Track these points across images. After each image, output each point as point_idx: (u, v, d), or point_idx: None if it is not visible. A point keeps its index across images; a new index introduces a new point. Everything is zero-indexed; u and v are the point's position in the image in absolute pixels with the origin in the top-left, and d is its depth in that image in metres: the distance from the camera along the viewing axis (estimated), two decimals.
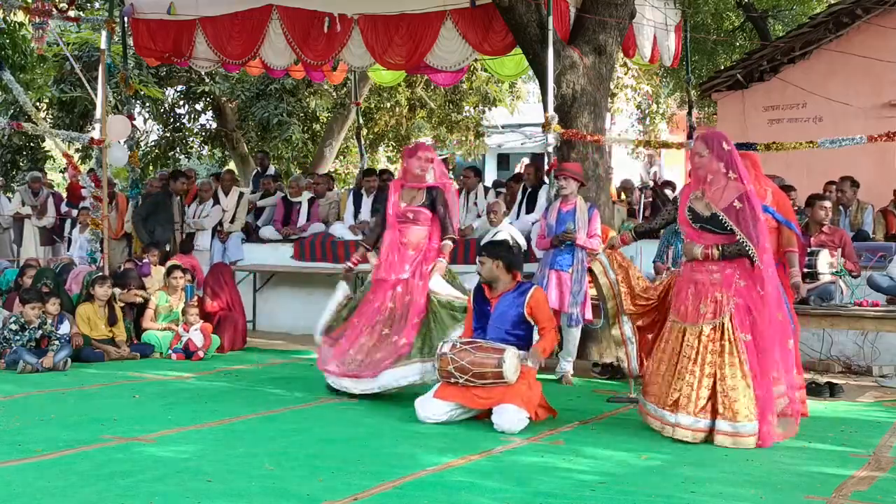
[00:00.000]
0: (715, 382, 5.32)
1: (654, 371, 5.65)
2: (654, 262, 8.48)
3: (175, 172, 11.94)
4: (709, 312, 5.39)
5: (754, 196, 5.41)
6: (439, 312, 6.51)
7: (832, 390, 7.17)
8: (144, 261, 10.19)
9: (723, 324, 5.35)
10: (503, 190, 11.34)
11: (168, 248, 11.01)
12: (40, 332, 8.09)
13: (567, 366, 7.68)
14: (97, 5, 16.48)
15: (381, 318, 6.61)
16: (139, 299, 9.31)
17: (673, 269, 7.30)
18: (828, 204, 8.02)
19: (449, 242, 6.78)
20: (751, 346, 5.31)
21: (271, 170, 13.63)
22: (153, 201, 11.04)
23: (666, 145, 11.22)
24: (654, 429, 5.52)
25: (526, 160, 17.90)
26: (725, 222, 5.34)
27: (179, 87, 18.16)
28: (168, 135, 18.60)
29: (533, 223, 9.44)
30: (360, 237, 9.73)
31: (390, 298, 6.63)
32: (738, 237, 5.32)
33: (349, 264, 7.08)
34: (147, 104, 17.30)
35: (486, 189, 11.48)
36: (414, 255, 6.69)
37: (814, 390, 7.06)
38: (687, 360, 5.39)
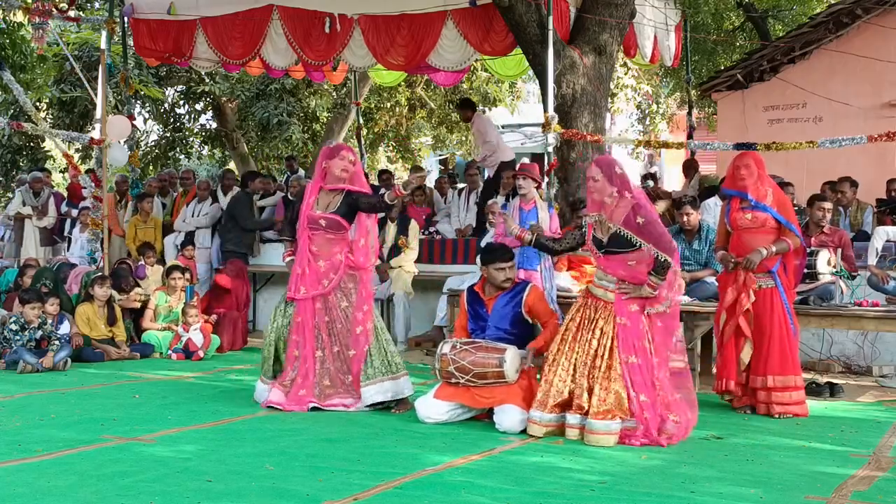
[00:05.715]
0: None
1: None
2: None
3: (251, 173, 12.38)
4: None
5: (645, 201, 5.52)
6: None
7: (832, 390, 7.18)
8: (140, 263, 10.18)
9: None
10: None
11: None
12: (40, 332, 8.09)
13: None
14: (97, 5, 16.47)
15: (321, 334, 6.23)
16: (138, 305, 9.31)
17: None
18: (827, 205, 7.87)
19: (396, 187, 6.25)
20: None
21: (301, 172, 13.83)
22: (244, 203, 11.06)
23: (666, 145, 11.19)
24: None
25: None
26: (629, 236, 5.39)
27: (179, 87, 18.15)
28: (168, 135, 18.59)
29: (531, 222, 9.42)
30: None
31: (315, 315, 6.24)
32: (644, 249, 5.39)
33: (288, 257, 6.58)
34: (147, 104, 17.29)
35: None
36: (326, 269, 6.23)
37: (814, 390, 7.07)
38: None
